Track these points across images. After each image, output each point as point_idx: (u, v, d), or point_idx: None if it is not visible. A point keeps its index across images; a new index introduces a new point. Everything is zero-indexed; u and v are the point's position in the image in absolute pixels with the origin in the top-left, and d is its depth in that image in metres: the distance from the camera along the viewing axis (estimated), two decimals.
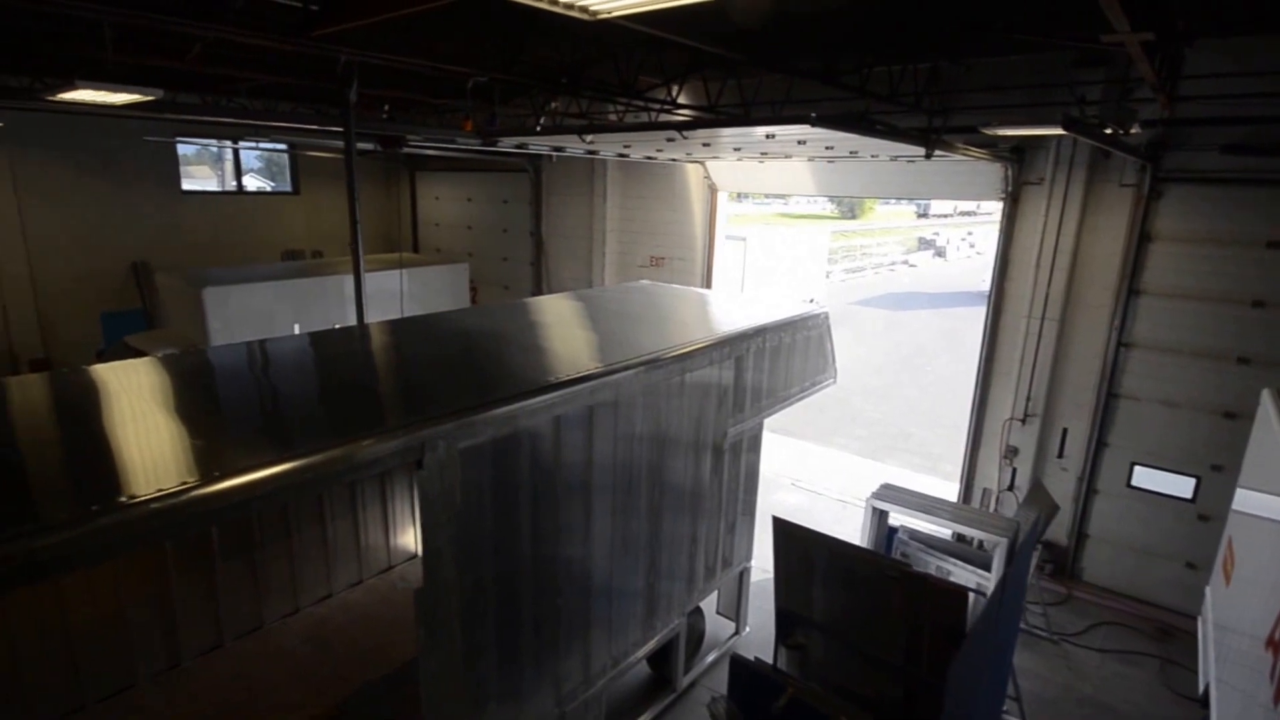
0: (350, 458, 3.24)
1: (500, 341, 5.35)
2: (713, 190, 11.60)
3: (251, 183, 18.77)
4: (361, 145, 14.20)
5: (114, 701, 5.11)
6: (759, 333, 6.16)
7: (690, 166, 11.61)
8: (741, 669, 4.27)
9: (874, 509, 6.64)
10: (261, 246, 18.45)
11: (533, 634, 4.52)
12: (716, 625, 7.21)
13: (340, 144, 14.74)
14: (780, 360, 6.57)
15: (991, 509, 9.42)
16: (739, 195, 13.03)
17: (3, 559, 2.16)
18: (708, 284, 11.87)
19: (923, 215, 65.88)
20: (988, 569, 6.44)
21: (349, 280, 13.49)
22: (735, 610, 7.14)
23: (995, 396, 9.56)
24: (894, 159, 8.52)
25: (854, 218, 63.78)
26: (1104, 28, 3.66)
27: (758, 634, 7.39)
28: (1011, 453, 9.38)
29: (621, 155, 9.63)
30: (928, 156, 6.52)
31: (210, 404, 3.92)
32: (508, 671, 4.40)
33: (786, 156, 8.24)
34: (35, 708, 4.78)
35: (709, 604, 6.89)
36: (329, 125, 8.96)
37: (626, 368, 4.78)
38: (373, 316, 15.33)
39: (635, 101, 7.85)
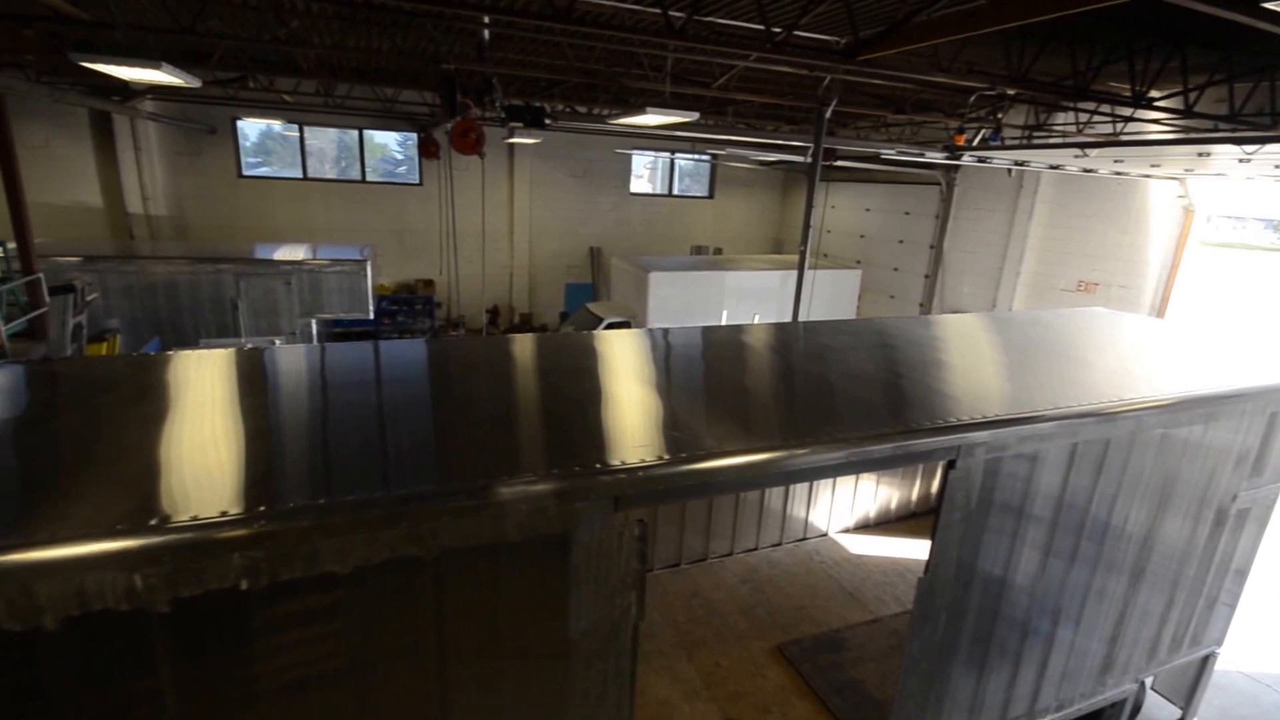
0: (909, 446, 3.26)
1: (997, 354, 4.91)
2: (1187, 211, 9.26)
3: (647, 185, 20.79)
4: (781, 157, 14.71)
5: None
6: None
7: (1153, 183, 9.47)
8: None
9: None
10: (677, 241, 20.53)
11: (998, 647, 4.14)
12: (1152, 701, 5.88)
13: (753, 155, 15.51)
14: None
15: None
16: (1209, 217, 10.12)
17: (511, 499, 2.50)
18: (1160, 316, 9.63)
19: None
20: None
21: (750, 276, 14.23)
22: (1186, 695, 5.71)
23: None
24: None
25: None
26: None
27: None
28: None
29: (1088, 170, 8.21)
30: None
31: (747, 381, 4.26)
32: (969, 672, 4.09)
33: None
34: None
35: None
36: (792, 140, 9.27)
37: (1153, 405, 4.01)
38: (767, 314, 15.89)
39: (1143, 111, 6.57)
